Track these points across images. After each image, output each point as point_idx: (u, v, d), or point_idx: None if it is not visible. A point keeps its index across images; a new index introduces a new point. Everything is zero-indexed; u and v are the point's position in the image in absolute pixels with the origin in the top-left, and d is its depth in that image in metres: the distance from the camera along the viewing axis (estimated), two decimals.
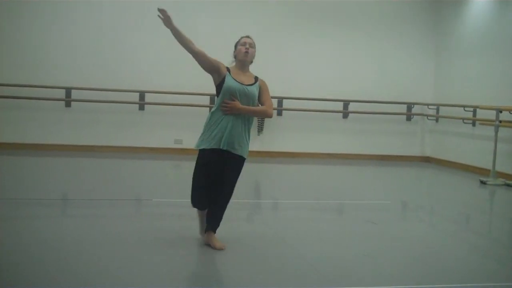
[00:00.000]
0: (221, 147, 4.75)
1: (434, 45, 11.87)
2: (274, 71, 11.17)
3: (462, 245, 5.43)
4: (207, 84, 11.27)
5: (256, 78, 5.05)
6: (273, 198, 7.41)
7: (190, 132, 11.00)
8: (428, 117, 11.85)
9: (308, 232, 5.43)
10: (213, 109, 4.89)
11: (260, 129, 10.94)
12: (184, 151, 10.96)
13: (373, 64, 11.70)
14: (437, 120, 11.75)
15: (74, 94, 10.53)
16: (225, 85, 4.83)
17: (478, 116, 10.24)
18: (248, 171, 10.37)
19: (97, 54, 10.68)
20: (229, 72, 4.93)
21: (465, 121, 10.55)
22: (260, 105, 4.94)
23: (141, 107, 10.85)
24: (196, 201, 4.96)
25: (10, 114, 10.38)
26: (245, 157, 4.87)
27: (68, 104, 10.59)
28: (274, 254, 4.70)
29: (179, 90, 10.78)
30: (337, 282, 4.05)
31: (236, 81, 4.86)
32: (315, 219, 6.18)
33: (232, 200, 6.94)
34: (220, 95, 4.84)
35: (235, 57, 5.11)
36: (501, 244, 5.72)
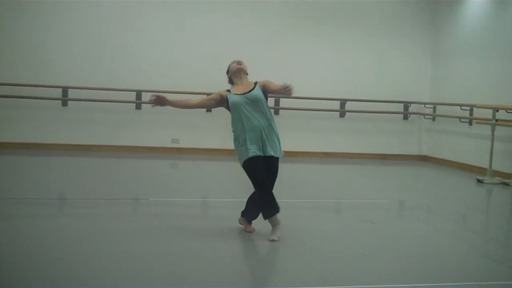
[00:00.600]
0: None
1: (431, 45, 11.88)
2: (271, 70, 11.15)
3: (459, 244, 5.44)
4: (204, 83, 11.33)
5: (255, 83, 5.27)
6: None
7: (187, 132, 11.06)
8: (425, 116, 11.86)
9: (306, 231, 5.42)
10: (233, 128, 5.23)
11: None
12: (181, 150, 10.96)
13: (370, 63, 11.70)
14: (434, 119, 11.77)
15: (71, 93, 10.51)
16: (230, 103, 5.14)
17: (474, 115, 10.25)
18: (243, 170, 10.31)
19: (94, 53, 10.66)
20: (229, 92, 5.23)
21: (461, 120, 10.56)
22: (272, 92, 5.26)
23: (138, 106, 10.83)
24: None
25: (6, 113, 10.35)
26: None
27: (65, 104, 10.56)
28: (272, 253, 4.70)
29: (176, 89, 10.75)
30: (336, 281, 4.04)
31: (237, 94, 5.15)
32: (312, 218, 6.18)
33: (230, 199, 6.96)
34: (232, 112, 5.18)
35: (230, 79, 5.39)
36: (498, 243, 5.73)
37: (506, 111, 9.17)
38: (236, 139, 5.19)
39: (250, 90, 5.16)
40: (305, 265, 4.39)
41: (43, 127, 10.53)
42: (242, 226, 5.32)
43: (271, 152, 5.07)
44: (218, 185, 8.17)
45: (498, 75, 9.78)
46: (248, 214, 5.32)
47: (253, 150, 5.01)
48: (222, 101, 5.22)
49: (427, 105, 11.75)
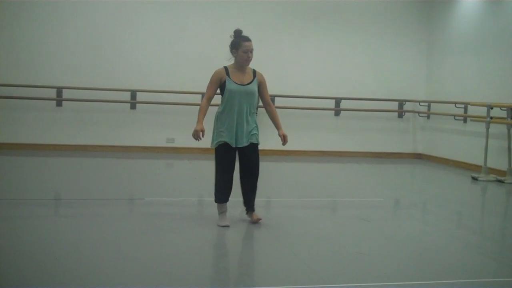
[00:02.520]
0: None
1: (426, 43, 11.90)
2: (266, 68, 11.11)
3: (455, 241, 5.45)
4: (199, 82, 11.32)
5: (254, 73, 5.40)
6: (266, 196, 7.41)
7: (182, 131, 11.03)
8: (420, 114, 11.89)
9: (301, 230, 5.43)
10: (221, 108, 5.37)
11: None
12: (176, 150, 10.95)
13: (365, 62, 11.71)
14: (428, 117, 11.79)
15: (66, 93, 10.49)
16: (226, 88, 5.29)
17: (469, 113, 10.28)
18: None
19: (88, 53, 10.64)
20: (228, 75, 5.33)
21: (456, 117, 10.59)
22: (261, 99, 5.49)
23: (133, 106, 10.82)
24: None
25: (0, 114, 10.33)
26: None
27: (59, 104, 10.54)
28: (267, 252, 4.71)
29: (170, 89, 10.76)
30: (331, 280, 4.05)
31: (236, 83, 5.30)
32: (308, 216, 6.18)
33: None
34: (224, 96, 5.33)
35: (234, 56, 5.41)
36: (494, 240, 5.75)
37: (500, 109, 9.19)
38: (219, 115, 5.39)
39: (249, 83, 5.33)
40: (301, 264, 4.39)
41: (37, 127, 10.51)
42: (235, 224, 5.32)
43: (243, 143, 5.31)
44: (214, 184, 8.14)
45: (493, 72, 9.81)
46: (250, 201, 5.53)
47: (224, 138, 5.27)
48: (220, 83, 5.36)
49: (421, 103, 11.78)
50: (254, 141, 5.41)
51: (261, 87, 5.45)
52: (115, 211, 6.08)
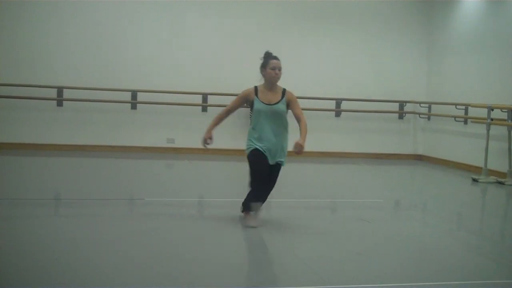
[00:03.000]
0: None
1: (426, 44, 11.90)
2: None
3: (455, 243, 5.45)
4: (199, 83, 11.32)
5: (283, 92, 5.56)
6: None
7: (182, 132, 11.04)
8: (420, 115, 11.88)
9: (301, 231, 5.42)
10: (251, 126, 5.56)
11: None
12: (176, 150, 10.95)
13: (366, 63, 11.71)
14: (429, 118, 11.79)
15: (66, 93, 10.49)
16: (254, 107, 5.46)
17: (469, 114, 10.27)
18: (241, 170, 10.35)
19: (88, 53, 10.64)
20: (257, 95, 5.48)
21: (457, 119, 10.58)
22: (295, 115, 5.55)
23: (134, 106, 10.81)
24: None
25: (1, 113, 10.33)
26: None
27: (60, 104, 10.54)
28: (268, 252, 4.70)
29: (171, 89, 10.76)
30: (331, 281, 4.04)
31: (264, 103, 5.44)
32: (308, 217, 6.18)
33: (226, 199, 6.96)
34: (254, 115, 5.50)
35: (263, 75, 5.54)
36: (494, 241, 5.74)
37: (501, 110, 9.19)
38: (251, 130, 5.53)
39: (277, 102, 5.45)
40: (301, 264, 4.39)
41: (38, 127, 10.51)
42: (236, 225, 5.31)
43: (274, 161, 5.44)
44: (214, 185, 8.16)
45: (493, 74, 9.80)
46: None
47: (259, 145, 5.36)
48: (248, 101, 5.54)
49: (422, 104, 11.77)
50: (280, 161, 5.51)
51: (291, 104, 5.54)
52: (115, 211, 6.07)
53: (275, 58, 5.55)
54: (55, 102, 10.52)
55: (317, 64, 11.48)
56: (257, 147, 5.37)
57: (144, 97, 10.79)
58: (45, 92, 10.39)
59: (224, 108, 5.67)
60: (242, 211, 5.58)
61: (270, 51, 5.63)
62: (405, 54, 11.88)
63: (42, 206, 6.12)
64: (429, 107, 11.69)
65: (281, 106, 5.47)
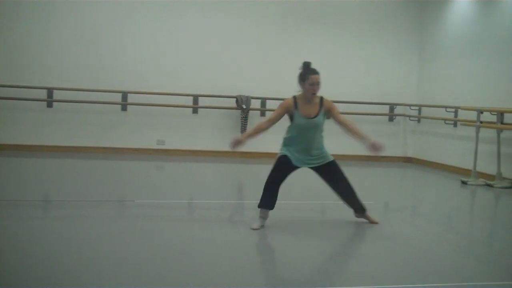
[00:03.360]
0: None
1: (417, 46, 11.95)
2: (257, 71, 11.19)
3: (444, 245, 5.47)
4: (190, 84, 11.32)
5: (321, 102, 5.67)
6: (257, 199, 7.40)
7: (173, 133, 11.03)
8: (410, 118, 11.93)
9: (291, 232, 5.43)
10: (288, 135, 5.64)
11: (244, 129, 10.94)
12: (166, 152, 10.94)
13: (357, 65, 11.75)
14: (419, 121, 11.84)
15: (56, 94, 10.46)
16: (294, 121, 5.52)
17: (459, 117, 10.33)
18: (230, 171, 10.36)
19: (79, 54, 10.61)
20: (297, 107, 5.51)
21: (446, 121, 10.64)
22: (338, 123, 5.86)
23: (124, 108, 10.79)
24: None
25: None
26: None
27: (49, 105, 10.51)
28: (255, 254, 4.70)
29: (162, 90, 10.75)
30: (320, 283, 4.06)
31: (304, 117, 5.51)
32: (298, 219, 6.19)
33: (216, 201, 6.96)
34: (292, 127, 5.58)
35: (301, 88, 5.61)
36: (482, 244, 5.78)
37: (490, 113, 9.24)
38: (286, 138, 5.64)
39: (316, 115, 5.57)
40: (290, 266, 4.40)
41: (28, 128, 10.47)
42: (225, 227, 5.31)
43: (305, 165, 5.72)
44: (205, 186, 8.16)
45: (483, 77, 9.86)
46: (354, 205, 5.88)
47: (289, 153, 5.54)
48: (288, 113, 5.56)
49: (412, 107, 11.82)
50: (329, 159, 5.79)
51: (331, 113, 5.72)
52: (105, 213, 6.05)
53: (315, 72, 5.58)
54: (45, 103, 10.48)
55: None
56: (287, 154, 5.53)
57: (135, 98, 10.78)
58: (35, 93, 10.35)
59: (266, 120, 5.61)
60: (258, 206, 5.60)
61: (308, 62, 5.71)
62: (396, 56, 11.93)
63: (32, 208, 6.10)
64: (419, 110, 11.75)
65: (321, 119, 5.61)
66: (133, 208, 6.43)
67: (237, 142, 5.42)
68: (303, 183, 8.92)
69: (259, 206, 5.53)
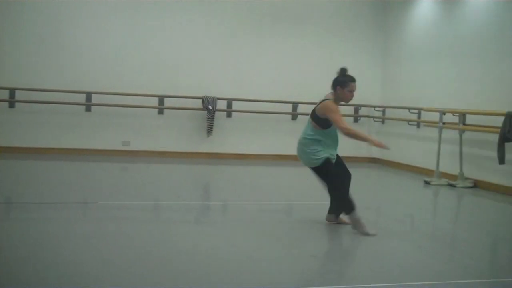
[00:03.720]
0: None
1: (381, 48, 12.09)
2: (223, 72, 11.18)
3: (407, 244, 5.54)
4: (156, 85, 11.24)
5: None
6: (222, 199, 7.40)
7: (138, 134, 10.95)
8: (375, 119, 12.06)
9: (256, 233, 5.43)
10: (317, 137, 5.78)
11: (210, 130, 10.92)
12: (131, 153, 10.85)
13: (321, 66, 11.79)
14: (383, 122, 11.98)
15: (18, 95, 10.27)
16: (331, 127, 5.75)
17: (422, 118, 10.48)
18: (196, 173, 10.30)
19: (42, 54, 10.45)
20: None
21: (410, 123, 10.78)
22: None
23: (88, 108, 10.66)
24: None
25: None
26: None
27: (12, 105, 10.31)
28: (224, 256, 4.69)
29: (127, 91, 10.66)
30: (286, 283, 4.07)
31: None
32: (263, 220, 6.19)
33: (182, 203, 6.92)
34: (327, 128, 5.80)
35: (337, 92, 5.82)
36: (444, 243, 5.86)
37: (452, 114, 9.40)
38: (314, 143, 5.79)
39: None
40: (255, 266, 4.40)
41: None
42: (190, 228, 5.29)
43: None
44: (170, 188, 8.11)
45: (446, 78, 10.02)
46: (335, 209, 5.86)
47: (327, 155, 5.68)
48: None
49: (376, 108, 11.95)
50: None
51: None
52: (68, 215, 5.97)
53: (354, 80, 5.81)
54: (7, 103, 10.28)
55: (273, 68, 11.53)
56: (326, 156, 5.65)
57: (99, 99, 10.66)
58: None
59: (345, 124, 5.76)
60: (346, 213, 5.64)
61: (345, 68, 5.87)
62: (361, 58, 12.02)
63: None
64: (383, 111, 11.88)
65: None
66: (96, 210, 6.35)
67: (382, 145, 5.72)
68: (263, 184, 8.94)
69: (348, 212, 5.59)
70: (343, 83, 5.74)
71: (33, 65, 10.41)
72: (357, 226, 5.53)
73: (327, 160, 5.63)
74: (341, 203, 5.65)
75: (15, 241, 4.76)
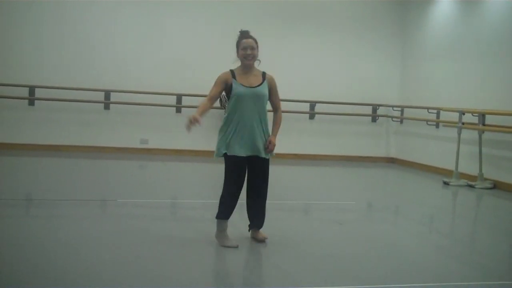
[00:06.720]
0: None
1: (400, 47, 12.01)
2: None
3: (426, 245, 5.51)
4: (174, 84, 11.27)
5: (264, 75, 5.05)
6: (240, 198, 7.39)
7: (156, 132, 10.98)
8: (393, 119, 11.99)
9: (273, 232, 5.42)
10: (226, 115, 4.94)
11: None
12: (150, 151, 10.89)
13: (340, 66, 11.78)
14: (401, 122, 11.90)
15: (38, 92, 10.36)
16: (233, 92, 4.84)
17: (441, 118, 10.40)
18: (215, 173, 10.32)
19: (62, 52, 10.52)
20: (235, 78, 4.90)
21: (429, 122, 10.71)
22: (270, 103, 5.05)
23: (107, 106, 10.72)
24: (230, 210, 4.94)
25: None
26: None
27: (31, 103, 10.40)
28: (238, 254, 4.69)
29: (145, 89, 10.69)
30: (302, 282, 4.06)
31: (243, 85, 4.87)
32: (281, 219, 6.18)
33: (199, 201, 6.94)
34: (232, 101, 4.89)
35: (238, 57, 5.02)
36: (464, 244, 5.82)
37: (472, 115, 9.31)
38: (225, 124, 4.96)
39: (258, 85, 4.93)
40: (272, 266, 4.40)
41: (9, 126, 10.35)
42: (208, 227, 5.28)
43: (255, 152, 4.91)
44: (187, 186, 8.14)
45: (465, 78, 9.94)
46: (254, 222, 5.07)
47: (233, 150, 4.84)
48: (227, 86, 4.91)
49: (395, 108, 11.88)
50: (264, 156, 5.00)
51: (272, 91, 5.03)
52: (87, 212, 6.01)
53: (247, 36, 5.01)
54: (27, 101, 10.37)
55: (291, 67, 11.49)
56: (232, 151, 4.84)
57: (118, 97, 10.71)
58: (17, 90, 10.24)
59: (205, 98, 4.91)
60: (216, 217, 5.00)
61: (244, 30, 5.11)
62: (379, 57, 11.97)
63: (12, 207, 6.03)
64: (402, 111, 11.81)
65: (264, 90, 4.91)
66: (115, 208, 6.39)
67: (193, 120, 4.56)
68: (280, 183, 8.93)
69: (216, 216, 4.96)
70: (237, 43, 5.01)
71: (52, 63, 10.48)
72: (218, 236, 4.90)
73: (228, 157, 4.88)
74: (220, 201, 4.96)
75: (34, 238, 4.80)
